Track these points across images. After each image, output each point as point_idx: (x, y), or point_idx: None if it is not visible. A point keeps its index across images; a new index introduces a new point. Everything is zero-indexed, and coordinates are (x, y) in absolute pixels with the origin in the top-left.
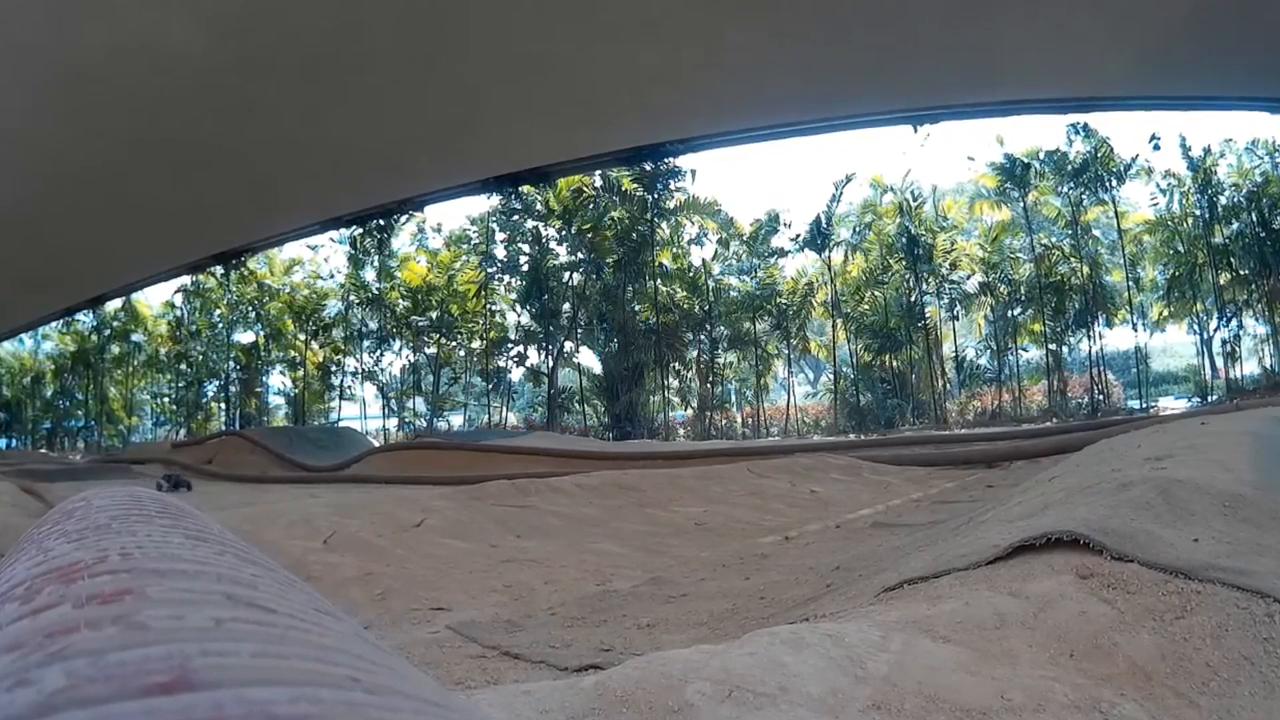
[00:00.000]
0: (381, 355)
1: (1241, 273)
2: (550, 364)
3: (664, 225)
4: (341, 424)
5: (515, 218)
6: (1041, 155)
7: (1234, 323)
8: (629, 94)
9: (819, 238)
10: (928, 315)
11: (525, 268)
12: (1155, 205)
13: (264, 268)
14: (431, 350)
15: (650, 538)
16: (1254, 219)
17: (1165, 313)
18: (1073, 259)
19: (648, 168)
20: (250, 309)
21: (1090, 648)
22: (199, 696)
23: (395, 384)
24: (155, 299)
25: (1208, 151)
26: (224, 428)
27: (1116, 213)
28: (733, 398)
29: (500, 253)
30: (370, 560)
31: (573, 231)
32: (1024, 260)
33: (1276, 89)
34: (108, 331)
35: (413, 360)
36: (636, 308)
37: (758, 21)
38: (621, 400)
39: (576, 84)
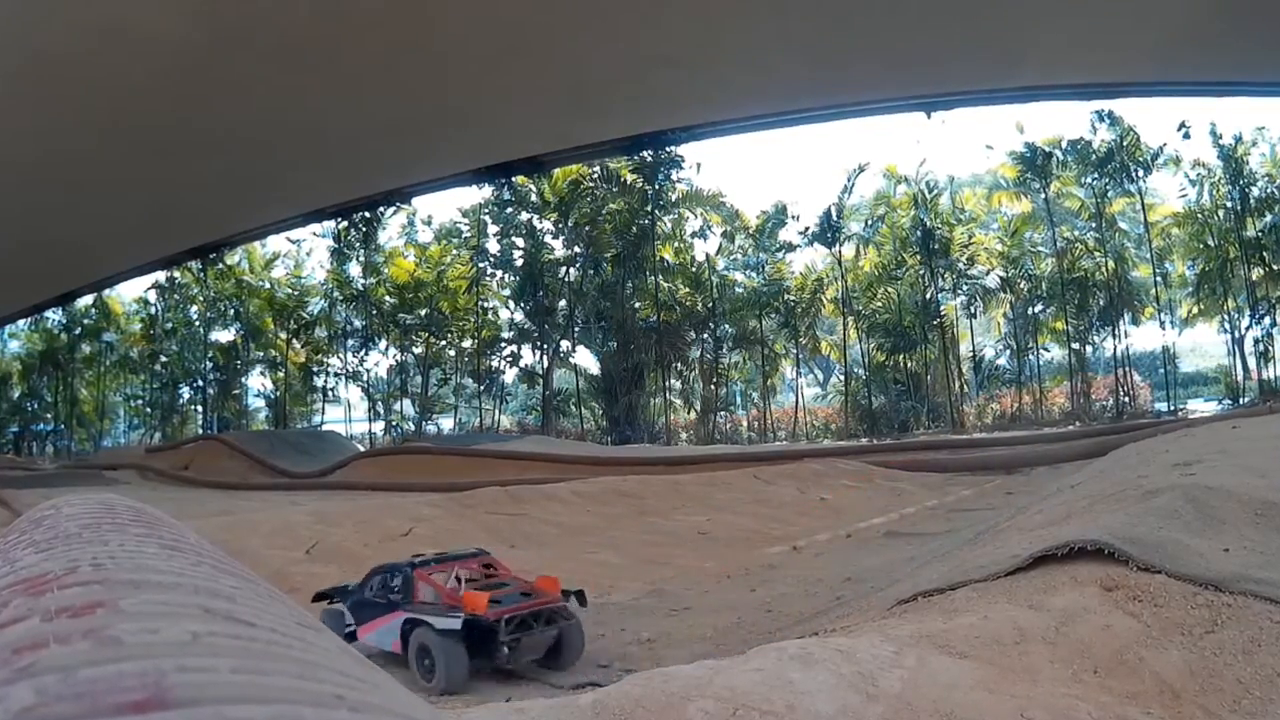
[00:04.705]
0: (367, 355)
1: (1275, 268)
2: (545, 364)
3: (665, 218)
4: (325, 428)
5: (508, 210)
6: (1064, 144)
7: (1267, 320)
8: (628, 78)
9: (829, 231)
10: (944, 313)
11: (519, 263)
12: (1184, 196)
13: (243, 263)
14: (420, 350)
15: (651, 547)
16: None
17: (1195, 310)
18: (1097, 253)
19: (648, 157)
20: (228, 306)
21: (1115, 664)
22: (175, 715)
23: (382, 385)
24: (128, 295)
25: (1239, 140)
26: (201, 431)
27: (1143, 204)
28: (738, 400)
29: (493, 247)
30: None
31: (569, 224)
32: (1045, 254)
33: None
34: (78, 330)
35: (400, 360)
36: (636, 305)
37: (763, 1)
38: (621, 402)
39: (572, 67)
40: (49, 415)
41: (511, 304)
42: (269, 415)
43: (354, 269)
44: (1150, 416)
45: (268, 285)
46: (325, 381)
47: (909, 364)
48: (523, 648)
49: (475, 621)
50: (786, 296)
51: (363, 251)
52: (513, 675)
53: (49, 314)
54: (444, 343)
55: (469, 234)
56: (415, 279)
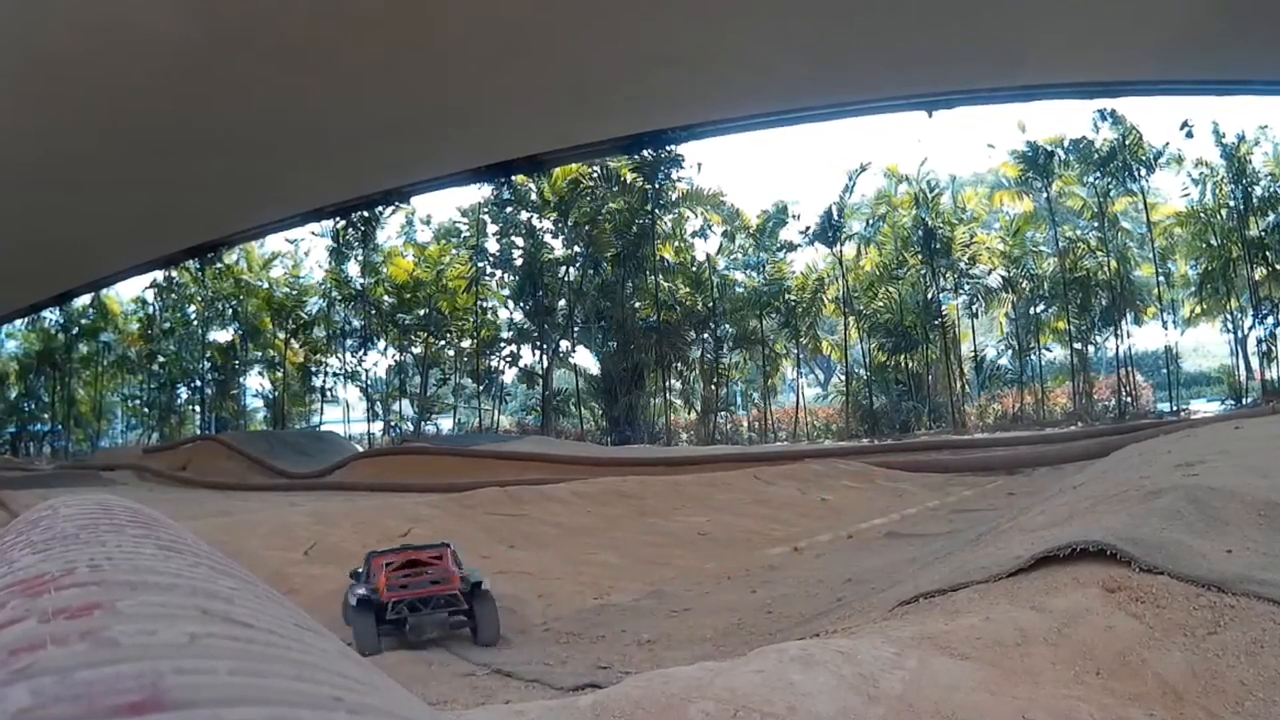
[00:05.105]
0: (365, 355)
1: (1278, 267)
2: (545, 364)
3: (665, 217)
4: (323, 428)
5: (508, 209)
6: (1066, 143)
7: (1270, 320)
8: (628, 78)
9: (830, 230)
10: (945, 312)
11: (518, 262)
12: (1187, 196)
13: (241, 263)
14: (419, 350)
15: (651, 548)
16: None
17: (1197, 310)
18: (1099, 253)
19: (648, 156)
20: (226, 306)
21: (1117, 665)
22: (172, 717)
23: (380, 386)
24: (126, 295)
25: (1242, 139)
26: (199, 432)
27: (1145, 204)
28: (738, 400)
29: (492, 246)
30: None
31: (569, 224)
32: (1047, 254)
33: None
34: (75, 330)
35: (399, 360)
36: (636, 305)
37: (763, 1)
38: (620, 403)
39: (572, 67)
40: (46, 415)
41: (511, 304)
42: (267, 415)
43: (352, 268)
44: (1153, 417)
45: (266, 285)
46: (324, 381)
47: (910, 364)
48: (419, 625)
49: (368, 597)
50: (787, 296)
51: (361, 251)
52: (512, 677)
53: (46, 314)
54: (443, 343)
55: (468, 233)
56: (414, 279)
